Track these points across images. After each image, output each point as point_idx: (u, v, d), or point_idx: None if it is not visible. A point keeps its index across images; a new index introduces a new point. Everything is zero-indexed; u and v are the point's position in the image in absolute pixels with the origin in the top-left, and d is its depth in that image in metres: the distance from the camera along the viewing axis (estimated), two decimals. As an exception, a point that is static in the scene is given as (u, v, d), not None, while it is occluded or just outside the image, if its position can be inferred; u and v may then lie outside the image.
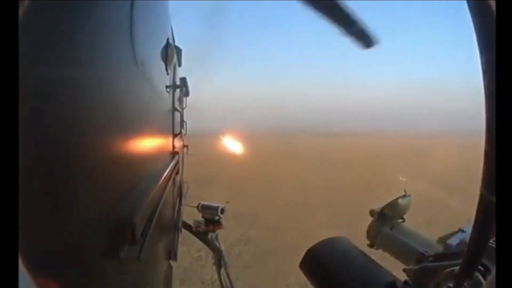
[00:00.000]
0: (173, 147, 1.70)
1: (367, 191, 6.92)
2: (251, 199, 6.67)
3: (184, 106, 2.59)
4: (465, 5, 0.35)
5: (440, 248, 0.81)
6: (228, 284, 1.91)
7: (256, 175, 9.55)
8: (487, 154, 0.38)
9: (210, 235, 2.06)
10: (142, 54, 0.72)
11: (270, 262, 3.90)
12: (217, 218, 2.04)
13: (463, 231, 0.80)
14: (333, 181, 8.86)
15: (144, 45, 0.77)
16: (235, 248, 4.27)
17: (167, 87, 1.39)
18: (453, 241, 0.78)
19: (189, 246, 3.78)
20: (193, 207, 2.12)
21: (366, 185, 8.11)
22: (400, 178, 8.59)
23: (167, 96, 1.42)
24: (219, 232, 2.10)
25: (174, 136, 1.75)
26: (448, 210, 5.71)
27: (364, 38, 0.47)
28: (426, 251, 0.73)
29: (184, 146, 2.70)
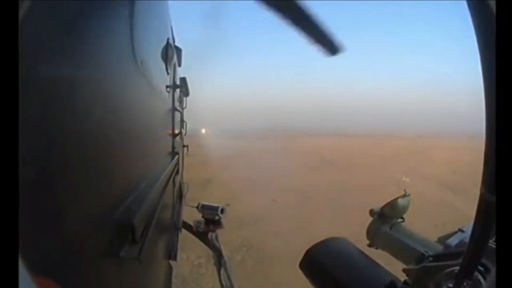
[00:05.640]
0: (173, 147, 1.70)
1: (370, 193, 6.86)
2: (251, 202, 6.61)
3: (184, 106, 2.59)
4: (465, 5, 0.35)
5: (440, 248, 0.81)
6: (229, 284, 1.91)
7: (255, 176, 9.52)
8: (487, 154, 0.39)
9: (210, 235, 2.07)
10: (142, 54, 0.72)
11: (274, 268, 3.78)
12: (217, 218, 2.05)
13: (463, 231, 0.80)
14: (335, 183, 8.79)
15: (144, 45, 0.77)
16: (237, 255, 4.15)
17: (167, 87, 1.39)
18: (453, 241, 0.78)
19: (188, 252, 3.66)
20: (193, 207, 2.13)
21: (369, 186, 8.02)
22: (403, 179, 8.56)
23: (167, 96, 1.42)
24: (219, 233, 2.10)
25: (174, 136, 1.76)
26: (452, 211, 5.68)
27: (329, 45, 0.47)
28: (426, 251, 0.73)
29: (184, 146, 2.70)
